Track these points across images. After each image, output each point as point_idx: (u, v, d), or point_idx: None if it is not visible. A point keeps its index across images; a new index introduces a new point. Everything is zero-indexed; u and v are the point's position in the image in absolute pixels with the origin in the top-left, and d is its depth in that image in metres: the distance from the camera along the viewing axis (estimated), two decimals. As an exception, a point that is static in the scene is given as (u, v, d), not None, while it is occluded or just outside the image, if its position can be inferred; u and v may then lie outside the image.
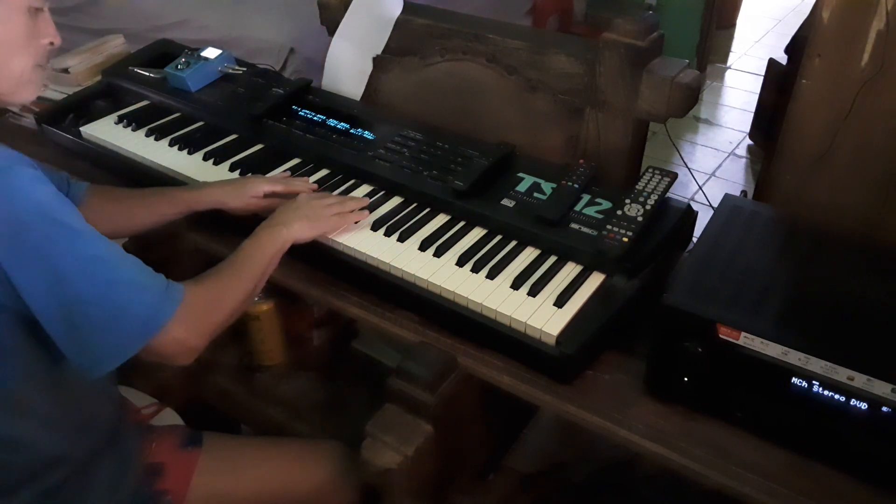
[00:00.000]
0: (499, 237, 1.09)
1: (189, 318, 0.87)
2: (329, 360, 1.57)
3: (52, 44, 0.93)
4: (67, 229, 0.82)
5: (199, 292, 0.90)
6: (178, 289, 0.88)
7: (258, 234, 1.01)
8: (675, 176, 1.08)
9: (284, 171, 1.25)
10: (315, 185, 1.19)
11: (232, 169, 1.26)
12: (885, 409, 0.77)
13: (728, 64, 3.96)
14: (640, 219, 1.01)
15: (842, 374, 0.78)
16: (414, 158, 1.20)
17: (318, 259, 1.10)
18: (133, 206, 1.14)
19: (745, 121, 3.29)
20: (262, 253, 0.99)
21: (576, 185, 1.10)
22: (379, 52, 1.39)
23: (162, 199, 1.14)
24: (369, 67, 1.40)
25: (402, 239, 1.09)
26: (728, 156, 3.13)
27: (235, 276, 0.96)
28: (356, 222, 1.10)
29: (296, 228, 1.03)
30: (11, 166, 0.80)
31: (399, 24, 1.37)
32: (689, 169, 2.89)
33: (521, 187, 1.12)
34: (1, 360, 0.87)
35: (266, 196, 1.13)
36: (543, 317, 0.94)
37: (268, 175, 1.22)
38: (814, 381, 0.80)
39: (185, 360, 0.90)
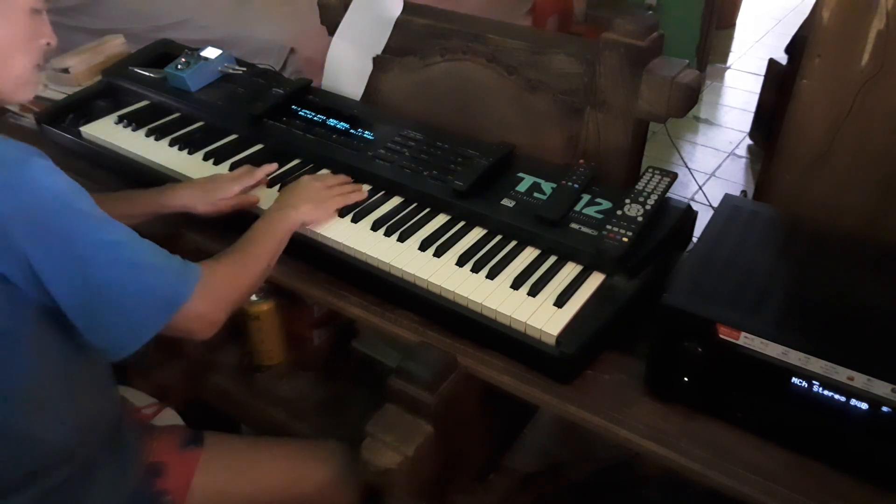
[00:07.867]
0: (499, 237, 1.09)
1: (209, 293, 0.91)
2: (329, 360, 1.57)
3: (48, 44, 0.95)
4: (87, 216, 0.84)
5: (218, 269, 0.95)
6: (194, 267, 0.91)
7: (269, 216, 1.06)
8: (675, 176, 1.08)
9: (282, 169, 1.25)
10: (275, 165, 1.24)
11: (232, 169, 1.25)
12: (885, 409, 0.77)
13: (728, 64, 3.96)
14: (640, 219, 1.01)
15: (842, 374, 0.78)
16: (414, 158, 1.20)
17: (319, 259, 1.11)
18: None
19: (745, 121, 3.29)
20: (274, 233, 1.04)
21: (576, 185, 1.10)
22: (379, 52, 1.39)
23: (126, 202, 1.15)
24: (369, 67, 1.40)
25: (402, 239, 1.09)
26: (728, 156, 3.13)
27: (250, 255, 1.01)
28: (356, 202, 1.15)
29: (303, 211, 1.08)
30: (28, 158, 0.82)
31: (399, 24, 1.37)
32: (689, 169, 2.90)
33: (521, 187, 1.12)
34: (17, 354, 0.87)
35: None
36: (543, 317, 0.94)
37: (233, 162, 1.25)
38: (814, 381, 0.80)
39: (207, 335, 0.94)
